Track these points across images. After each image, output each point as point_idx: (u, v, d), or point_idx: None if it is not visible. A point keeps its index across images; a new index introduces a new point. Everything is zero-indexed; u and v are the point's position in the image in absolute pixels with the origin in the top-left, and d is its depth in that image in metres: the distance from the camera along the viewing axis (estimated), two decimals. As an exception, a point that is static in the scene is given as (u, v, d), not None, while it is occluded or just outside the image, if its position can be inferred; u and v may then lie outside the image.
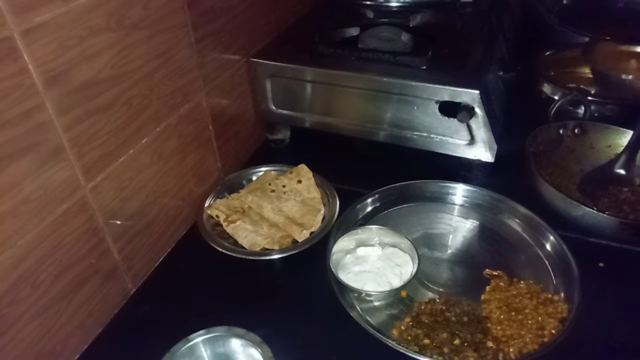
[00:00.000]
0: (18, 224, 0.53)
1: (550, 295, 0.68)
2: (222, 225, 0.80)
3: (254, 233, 0.78)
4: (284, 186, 0.86)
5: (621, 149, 0.86)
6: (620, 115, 0.97)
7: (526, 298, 0.67)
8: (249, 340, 0.58)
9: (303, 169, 0.88)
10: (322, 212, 0.81)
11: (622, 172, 0.84)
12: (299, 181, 0.86)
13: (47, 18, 0.51)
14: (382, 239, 0.76)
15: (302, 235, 0.77)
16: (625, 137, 0.87)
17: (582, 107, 0.98)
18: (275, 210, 0.81)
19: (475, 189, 0.84)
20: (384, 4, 1.13)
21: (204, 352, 0.60)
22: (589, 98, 0.97)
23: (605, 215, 0.72)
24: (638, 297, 0.69)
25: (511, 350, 0.62)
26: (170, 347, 0.58)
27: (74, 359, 0.65)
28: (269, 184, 0.86)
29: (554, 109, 0.95)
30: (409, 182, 0.84)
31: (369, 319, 0.67)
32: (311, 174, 0.87)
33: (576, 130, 0.91)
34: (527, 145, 0.86)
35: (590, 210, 0.73)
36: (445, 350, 0.62)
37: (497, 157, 0.86)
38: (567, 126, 0.92)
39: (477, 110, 0.80)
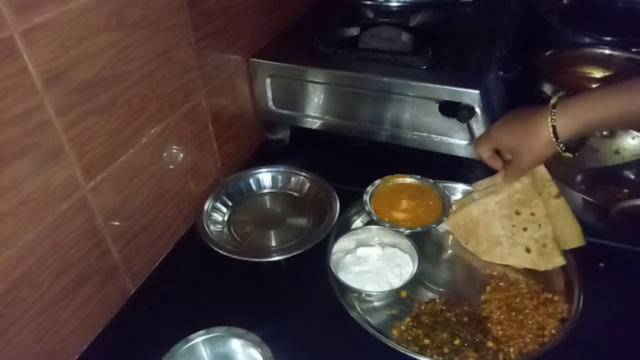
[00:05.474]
0: (18, 224, 0.53)
1: (550, 296, 0.68)
2: (222, 224, 0.80)
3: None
4: (533, 214, 0.71)
5: None
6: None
7: (526, 298, 0.67)
8: (248, 341, 0.58)
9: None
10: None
11: (631, 176, 0.83)
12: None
13: (47, 18, 0.51)
14: (382, 239, 0.76)
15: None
16: None
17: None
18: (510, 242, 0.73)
19: (475, 189, 0.84)
20: (384, 4, 1.13)
21: (204, 352, 0.60)
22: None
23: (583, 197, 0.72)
24: (638, 297, 0.69)
25: (511, 350, 0.62)
26: (170, 347, 0.58)
27: (74, 359, 0.65)
28: (517, 212, 0.72)
29: None
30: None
31: (369, 319, 0.67)
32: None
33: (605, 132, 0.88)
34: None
35: (570, 188, 0.72)
36: (446, 350, 0.62)
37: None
38: None
39: (477, 110, 0.80)
